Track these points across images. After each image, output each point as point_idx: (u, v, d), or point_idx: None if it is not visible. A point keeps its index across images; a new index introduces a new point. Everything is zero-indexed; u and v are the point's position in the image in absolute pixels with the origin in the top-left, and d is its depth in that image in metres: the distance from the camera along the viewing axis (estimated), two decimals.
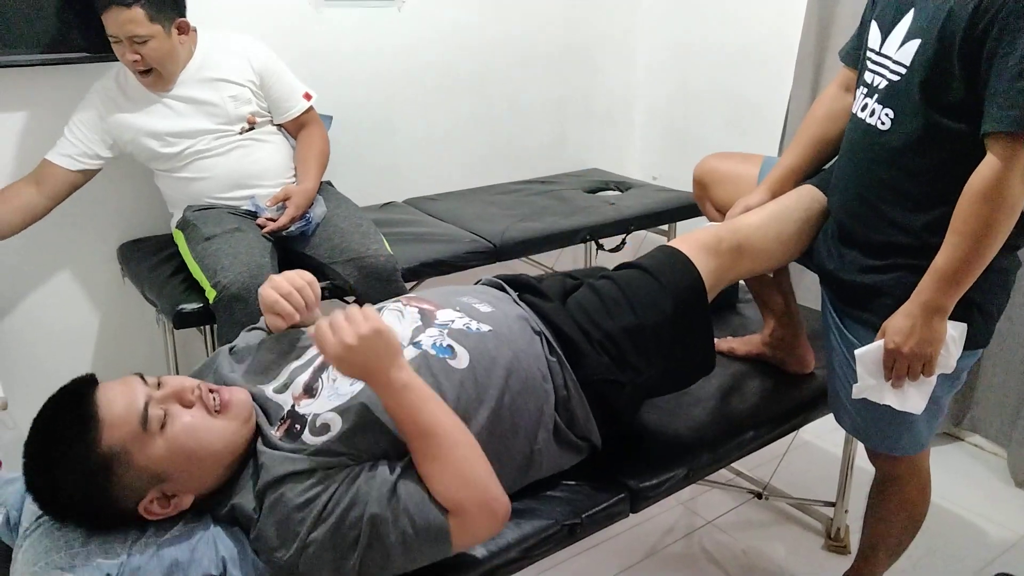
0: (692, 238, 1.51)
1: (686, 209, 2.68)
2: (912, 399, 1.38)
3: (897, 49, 1.33)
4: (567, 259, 3.06)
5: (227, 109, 2.05)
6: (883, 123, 1.36)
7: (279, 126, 2.20)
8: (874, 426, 1.51)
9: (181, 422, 1.06)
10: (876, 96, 1.38)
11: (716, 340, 1.83)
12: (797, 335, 1.76)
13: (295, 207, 2.03)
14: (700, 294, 1.45)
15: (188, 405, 1.08)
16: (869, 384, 1.39)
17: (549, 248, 2.48)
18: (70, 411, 1.04)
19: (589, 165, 3.30)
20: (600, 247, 2.66)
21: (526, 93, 3.05)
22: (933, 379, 1.36)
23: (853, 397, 1.43)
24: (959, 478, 2.34)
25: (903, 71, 1.32)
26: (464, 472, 1.09)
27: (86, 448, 1.01)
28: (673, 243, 1.52)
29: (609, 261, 2.58)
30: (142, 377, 1.09)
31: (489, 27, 2.88)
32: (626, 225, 2.57)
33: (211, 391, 1.11)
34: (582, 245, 2.59)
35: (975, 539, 2.12)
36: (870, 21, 1.43)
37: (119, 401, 1.04)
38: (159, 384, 1.09)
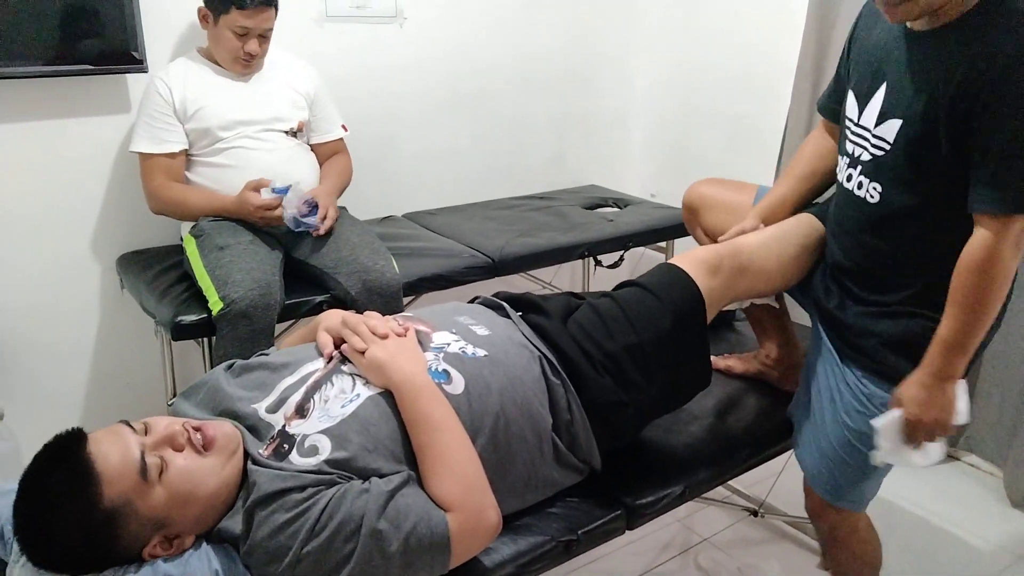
0: (693, 256, 1.52)
1: (683, 226, 2.68)
2: (932, 452, 1.40)
3: (876, 124, 1.36)
4: (565, 275, 3.07)
5: (284, 107, 2.21)
6: (872, 196, 1.38)
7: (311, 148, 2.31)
8: (830, 469, 1.51)
9: (176, 467, 1.05)
10: (861, 168, 1.40)
11: (714, 358, 1.84)
12: (793, 354, 1.77)
13: (324, 205, 2.09)
14: (698, 309, 1.45)
15: (179, 449, 1.08)
16: (888, 449, 1.40)
17: (547, 264, 2.48)
18: (65, 469, 1.01)
19: (587, 182, 3.31)
20: (598, 263, 2.67)
21: (526, 110, 3.07)
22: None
23: (874, 463, 1.44)
24: (955, 498, 2.34)
25: (886, 147, 1.34)
26: (468, 473, 1.14)
27: (88, 506, 1.00)
28: (674, 260, 1.53)
29: (607, 277, 2.60)
30: (128, 424, 1.08)
31: (490, 45, 2.90)
32: (624, 242, 2.59)
33: (195, 429, 1.10)
34: (580, 261, 2.60)
35: (971, 559, 2.11)
36: (847, 89, 1.45)
37: (114, 453, 1.02)
38: (146, 429, 1.08)
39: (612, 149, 3.39)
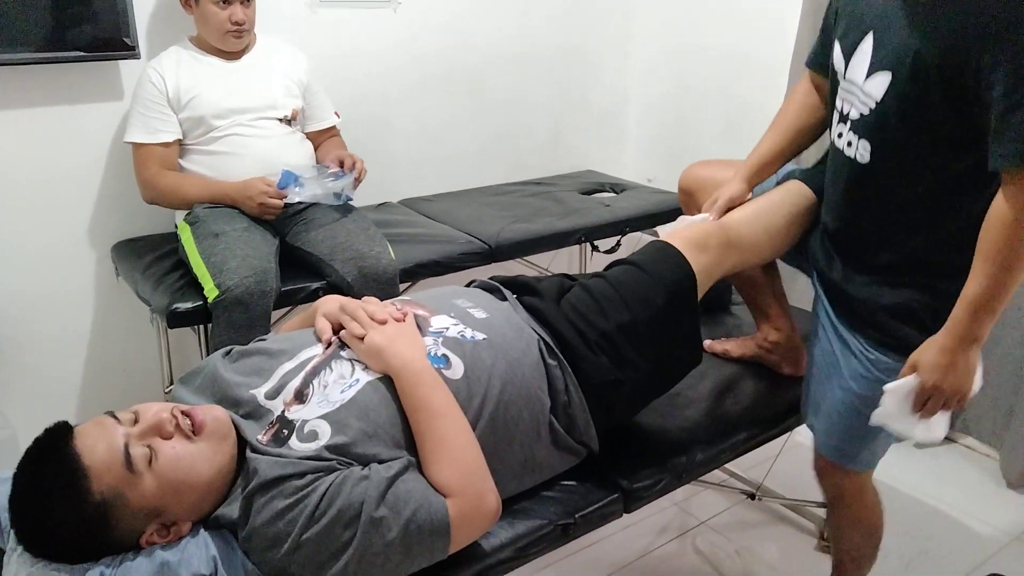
0: (682, 234, 1.51)
1: (680, 211, 2.67)
2: (937, 427, 1.35)
3: (864, 79, 1.32)
4: (562, 260, 3.07)
5: (278, 94, 2.19)
6: (863, 156, 1.35)
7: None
8: (839, 434, 1.50)
9: (165, 455, 1.05)
10: (850, 126, 1.37)
11: (711, 342, 1.84)
12: (791, 337, 1.77)
13: (350, 156, 2.19)
14: (690, 285, 1.45)
15: (168, 436, 1.07)
16: (892, 414, 1.35)
17: (544, 249, 2.48)
18: (54, 465, 1.01)
19: (584, 167, 3.31)
20: (595, 248, 2.67)
21: (522, 95, 3.06)
22: None
23: (871, 423, 1.38)
24: (952, 479, 2.35)
25: (874, 104, 1.30)
26: (467, 458, 1.14)
27: (78, 500, 1.00)
28: (664, 238, 1.52)
29: (604, 262, 2.59)
30: (113, 415, 1.08)
31: (485, 30, 2.88)
32: (621, 227, 2.58)
33: (184, 414, 1.10)
34: (577, 246, 2.60)
35: (968, 540, 2.12)
36: (833, 40, 1.42)
37: (100, 446, 1.02)
38: (135, 418, 1.08)
39: (609, 134, 3.38)
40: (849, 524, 1.66)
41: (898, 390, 1.32)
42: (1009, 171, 1.18)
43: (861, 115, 1.34)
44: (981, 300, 1.23)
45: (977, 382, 1.32)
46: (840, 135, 1.40)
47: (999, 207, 1.20)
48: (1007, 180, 1.19)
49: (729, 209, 1.58)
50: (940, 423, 1.35)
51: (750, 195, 1.61)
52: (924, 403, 1.31)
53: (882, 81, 1.28)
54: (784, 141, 1.59)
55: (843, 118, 1.39)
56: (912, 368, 1.32)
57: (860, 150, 1.36)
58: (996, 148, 1.18)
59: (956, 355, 1.26)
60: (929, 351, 1.29)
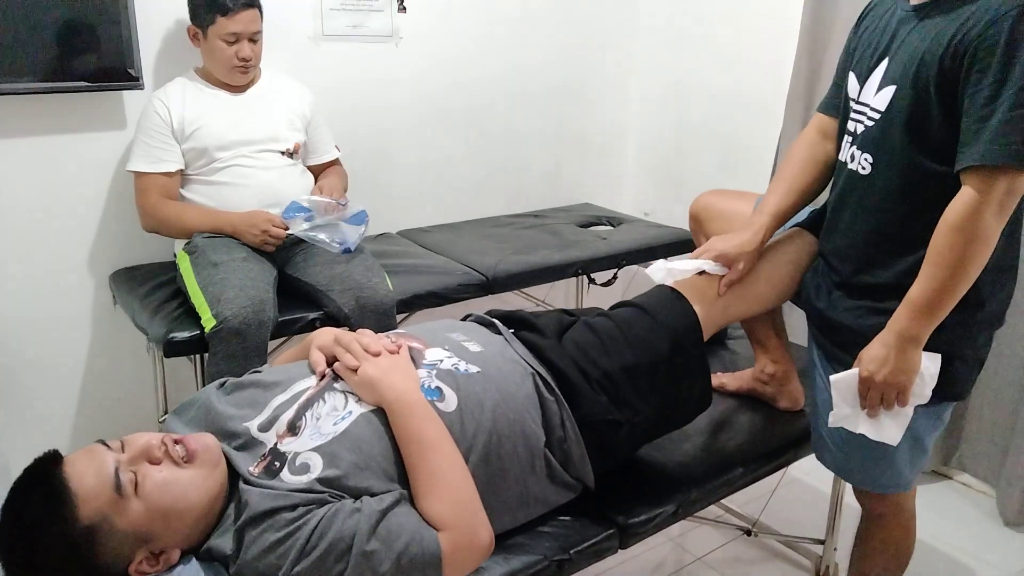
0: (686, 282, 1.53)
1: (676, 245, 2.70)
2: (888, 429, 1.38)
3: (874, 96, 1.37)
4: (559, 293, 3.08)
5: (281, 127, 2.22)
6: (864, 168, 1.39)
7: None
8: (855, 463, 1.51)
9: (153, 480, 1.06)
10: (857, 142, 1.41)
11: None
12: (788, 371, 1.77)
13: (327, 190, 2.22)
14: (696, 333, 1.46)
15: (156, 462, 1.08)
16: (844, 413, 1.40)
17: (541, 281, 2.49)
18: (41, 492, 1.02)
19: (582, 200, 3.33)
20: (592, 281, 2.68)
21: (521, 129, 3.09)
22: (909, 410, 1.36)
23: (829, 425, 1.44)
24: (948, 517, 2.34)
25: (878, 116, 1.35)
26: (461, 492, 1.14)
27: (65, 525, 1.00)
28: (670, 284, 1.53)
29: (601, 295, 2.61)
30: (104, 443, 1.09)
31: (485, 64, 2.92)
32: (618, 260, 2.59)
33: (176, 442, 1.10)
34: (574, 279, 2.61)
35: None
36: (847, 72, 1.47)
37: (89, 472, 1.03)
38: (123, 446, 1.09)
39: (606, 168, 3.41)
40: (881, 543, 1.64)
41: (841, 381, 1.38)
42: (974, 173, 1.21)
43: (867, 128, 1.38)
44: (922, 302, 1.28)
45: (924, 387, 1.34)
46: (853, 157, 1.43)
47: (952, 211, 1.24)
48: (970, 183, 1.22)
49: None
50: (890, 425, 1.37)
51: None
52: (867, 396, 1.35)
53: (888, 93, 1.33)
54: (790, 200, 1.58)
55: (854, 139, 1.42)
56: (858, 362, 1.37)
57: (861, 162, 1.39)
58: (966, 149, 1.21)
59: (893, 350, 1.31)
60: (872, 346, 1.34)
